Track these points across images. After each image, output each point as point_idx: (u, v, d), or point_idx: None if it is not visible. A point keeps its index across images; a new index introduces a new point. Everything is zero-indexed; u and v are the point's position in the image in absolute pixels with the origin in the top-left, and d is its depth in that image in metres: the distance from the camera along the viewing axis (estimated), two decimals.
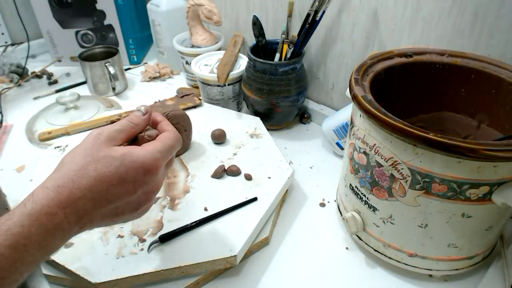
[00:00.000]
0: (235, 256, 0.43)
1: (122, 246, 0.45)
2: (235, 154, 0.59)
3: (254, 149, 0.60)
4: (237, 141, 0.62)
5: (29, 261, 0.27)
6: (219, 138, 0.62)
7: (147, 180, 0.32)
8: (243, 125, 0.66)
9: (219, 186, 0.53)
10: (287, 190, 0.57)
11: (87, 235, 0.46)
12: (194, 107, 0.71)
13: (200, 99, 0.73)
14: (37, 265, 0.28)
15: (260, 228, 0.49)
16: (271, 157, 0.58)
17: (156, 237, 0.45)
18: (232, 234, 0.46)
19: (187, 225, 0.46)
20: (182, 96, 0.74)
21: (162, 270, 0.42)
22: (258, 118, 0.68)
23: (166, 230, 0.46)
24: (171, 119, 0.54)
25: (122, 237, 0.46)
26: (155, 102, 0.72)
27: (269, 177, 0.54)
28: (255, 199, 0.51)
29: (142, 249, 0.44)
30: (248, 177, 0.54)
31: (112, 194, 0.31)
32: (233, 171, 0.55)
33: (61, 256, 0.44)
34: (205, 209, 0.49)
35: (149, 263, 0.43)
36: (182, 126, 0.57)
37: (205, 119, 0.68)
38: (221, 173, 0.55)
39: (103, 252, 0.44)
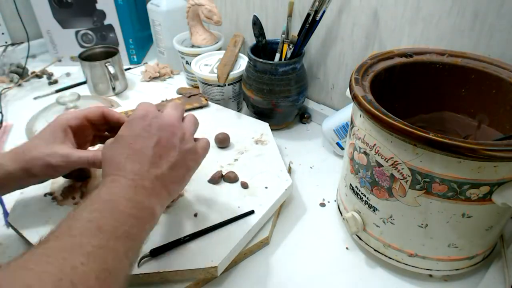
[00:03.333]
0: (215, 267, 0.42)
1: None
2: (236, 160, 0.58)
3: (257, 156, 0.59)
4: (240, 146, 0.61)
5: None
6: (222, 142, 0.60)
7: (151, 111, 0.39)
8: (249, 129, 0.65)
9: (214, 192, 0.52)
10: (285, 199, 0.55)
11: None
12: (201, 107, 0.71)
13: (207, 99, 0.73)
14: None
15: (248, 240, 0.47)
16: (272, 165, 0.57)
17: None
18: (219, 244, 0.45)
19: (180, 239, 0.44)
20: (190, 96, 0.74)
21: (141, 274, 0.41)
22: (266, 124, 0.66)
23: (154, 233, 0.44)
24: None
25: None
26: (162, 102, 0.72)
27: (266, 187, 0.52)
28: (252, 212, 0.48)
29: None
30: (245, 185, 0.53)
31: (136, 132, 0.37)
32: (230, 178, 0.53)
33: None
34: (195, 215, 0.48)
35: None
36: None
37: (211, 120, 0.68)
38: (217, 179, 0.53)
39: None
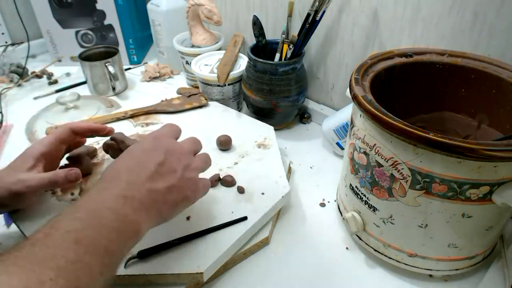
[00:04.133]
0: (201, 273, 0.41)
1: None
2: (236, 163, 0.57)
3: (258, 160, 0.58)
4: (242, 150, 0.60)
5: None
6: (224, 144, 0.60)
7: (167, 135, 0.41)
8: (254, 132, 0.64)
9: (210, 195, 0.50)
10: (280, 209, 0.54)
11: None
12: (200, 107, 0.71)
13: (206, 98, 0.73)
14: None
15: (238, 247, 0.46)
16: (272, 171, 0.55)
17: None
18: (207, 249, 0.44)
19: (170, 241, 0.44)
20: (190, 96, 0.74)
21: (127, 275, 0.41)
22: (271, 128, 0.65)
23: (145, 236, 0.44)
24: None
25: None
26: (162, 101, 0.72)
27: (263, 193, 0.51)
28: (244, 218, 0.47)
29: None
30: (241, 190, 0.52)
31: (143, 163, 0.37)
32: (227, 182, 0.53)
33: None
34: (187, 218, 0.48)
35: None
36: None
37: (213, 121, 0.67)
38: (215, 182, 0.53)
39: None
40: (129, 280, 0.42)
